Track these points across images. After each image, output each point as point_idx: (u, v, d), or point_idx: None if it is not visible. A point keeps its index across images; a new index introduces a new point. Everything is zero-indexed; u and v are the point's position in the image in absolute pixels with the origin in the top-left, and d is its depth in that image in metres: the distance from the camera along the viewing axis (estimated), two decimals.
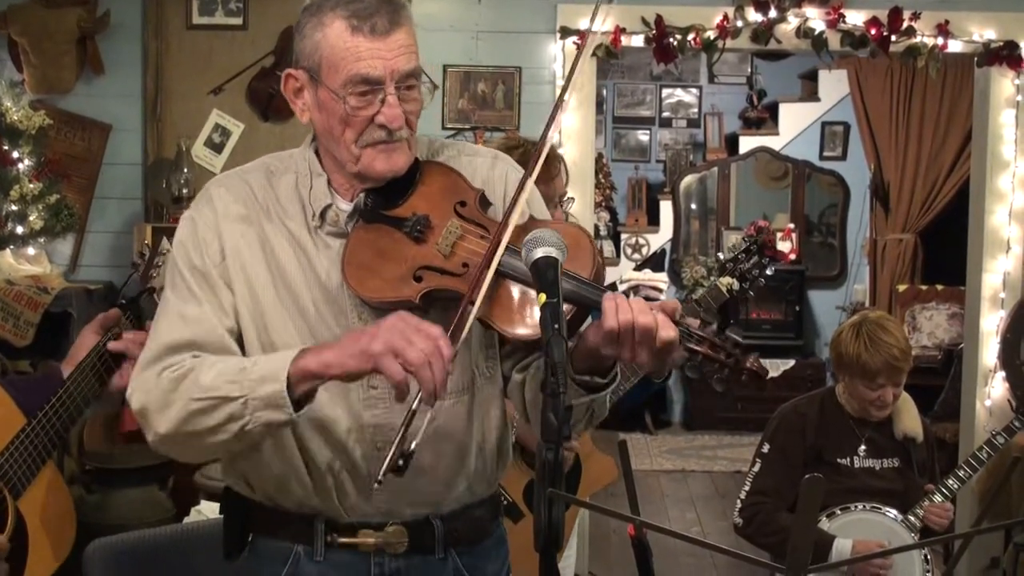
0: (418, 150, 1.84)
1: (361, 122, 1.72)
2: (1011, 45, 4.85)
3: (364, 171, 1.76)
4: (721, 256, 7.54)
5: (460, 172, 1.82)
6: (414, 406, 1.60)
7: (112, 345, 2.34)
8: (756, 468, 3.31)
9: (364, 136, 1.73)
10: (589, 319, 1.70)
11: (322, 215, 1.80)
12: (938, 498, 3.20)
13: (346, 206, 1.80)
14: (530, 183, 1.78)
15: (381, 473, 1.59)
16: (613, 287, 1.70)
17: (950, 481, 3.24)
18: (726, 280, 3.29)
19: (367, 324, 1.75)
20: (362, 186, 1.79)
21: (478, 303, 1.67)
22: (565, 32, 4.84)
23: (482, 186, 1.82)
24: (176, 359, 1.72)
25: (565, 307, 1.64)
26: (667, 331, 1.60)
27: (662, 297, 7.87)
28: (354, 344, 1.61)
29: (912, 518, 3.17)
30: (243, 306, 1.78)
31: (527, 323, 1.69)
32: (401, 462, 1.60)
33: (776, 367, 7.35)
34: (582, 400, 1.73)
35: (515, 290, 1.70)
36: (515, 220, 1.72)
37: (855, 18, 4.83)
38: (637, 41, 4.86)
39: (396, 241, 1.75)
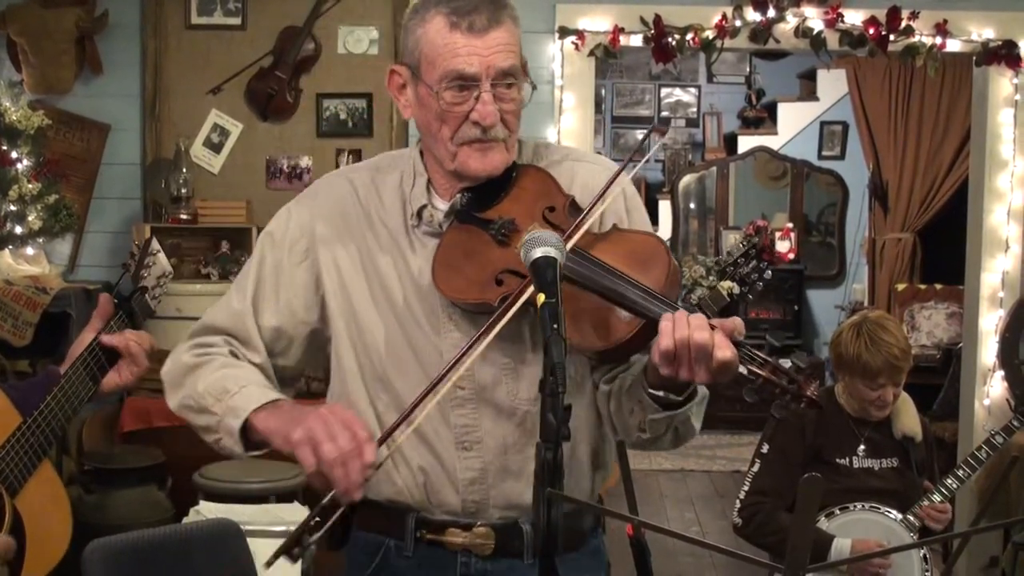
0: (523, 153, 1.85)
1: (456, 119, 1.73)
2: (1009, 44, 4.85)
3: (460, 169, 1.77)
4: (720, 260, 7.53)
5: (556, 177, 1.81)
6: (325, 501, 1.61)
7: (105, 338, 2.31)
8: (755, 468, 3.32)
9: (459, 133, 1.74)
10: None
11: (419, 214, 1.82)
12: (937, 498, 3.20)
13: (443, 206, 1.82)
14: (625, 182, 1.79)
15: (272, 555, 1.63)
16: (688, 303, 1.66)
17: (949, 480, 3.24)
18: (726, 284, 3.30)
19: (458, 325, 1.78)
20: (460, 185, 1.80)
21: (520, 302, 1.65)
22: (564, 32, 4.84)
23: (580, 192, 1.80)
24: (210, 339, 1.87)
25: (632, 319, 1.63)
26: (724, 351, 1.56)
27: None
28: (289, 424, 1.66)
29: (911, 517, 3.17)
30: (333, 302, 1.84)
31: (597, 335, 1.65)
32: (296, 550, 1.62)
33: None
34: (658, 416, 1.69)
35: (596, 301, 1.66)
36: (588, 226, 1.70)
37: (853, 17, 4.82)
38: (636, 41, 4.86)
39: (483, 243, 1.76)
